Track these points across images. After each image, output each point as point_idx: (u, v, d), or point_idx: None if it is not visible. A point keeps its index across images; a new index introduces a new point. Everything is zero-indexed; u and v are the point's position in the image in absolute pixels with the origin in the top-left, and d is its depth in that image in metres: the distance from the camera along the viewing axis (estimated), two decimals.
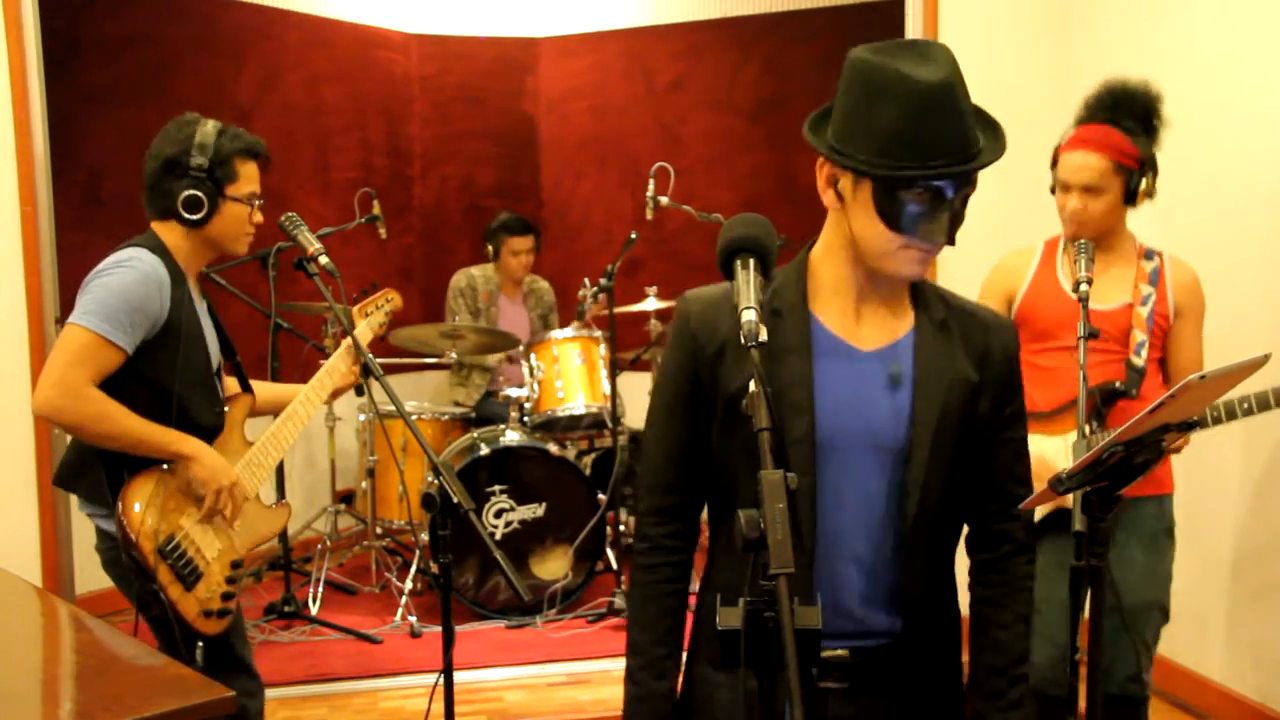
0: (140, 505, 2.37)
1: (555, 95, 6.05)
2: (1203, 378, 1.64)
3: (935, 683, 1.69)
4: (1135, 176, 2.60)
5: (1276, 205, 3.22)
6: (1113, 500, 1.79)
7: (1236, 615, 3.44)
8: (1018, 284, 2.78)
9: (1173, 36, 3.58)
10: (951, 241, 1.57)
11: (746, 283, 1.42)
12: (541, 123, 6.08)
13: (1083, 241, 2.52)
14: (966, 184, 1.55)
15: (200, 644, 2.43)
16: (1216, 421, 2.52)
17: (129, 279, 2.38)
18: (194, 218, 2.46)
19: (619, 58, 5.88)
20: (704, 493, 1.72)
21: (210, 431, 2.54)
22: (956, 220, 1.57)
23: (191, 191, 2.46)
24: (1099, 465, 1.73)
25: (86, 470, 2.45)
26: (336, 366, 2.75)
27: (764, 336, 1.37)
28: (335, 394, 2.78)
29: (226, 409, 2.62)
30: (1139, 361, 2.64)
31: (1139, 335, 2.64)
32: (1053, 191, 2.73)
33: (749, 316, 1.37)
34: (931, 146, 1.50)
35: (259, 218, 2.60)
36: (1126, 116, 2.64)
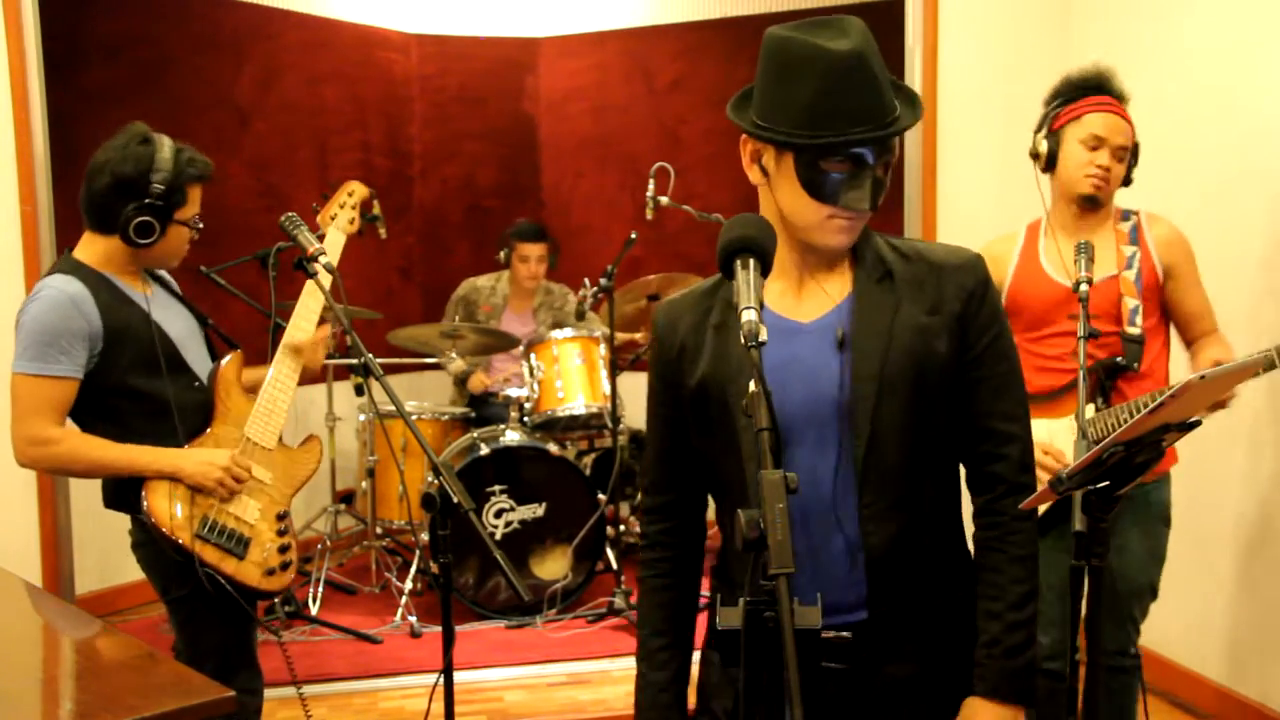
0: (164, 502, 2.40)
1: (555, 95, 6.04)
2: (1203, 378, 1.64)
3: (925, 652, 1.65)
4: (1132, 160, 2.67)
5: (1277, 203, 3.22)
6: (1113, 500, 1.79)
7: (1237, 615, 3.44)
8: (1002, 273, 2.77)
9: (1173, 35, 3.57)
10: (874, 208, 1.59)
11: (746, 283, 1.42)
12: (541, 123, 6.08)
13: (1083, 241, 2.52)
14: (886, 151, 1.59)
15: (276, 600, 2.45)
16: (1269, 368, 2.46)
17: (39, 310, 2.39)
18: (143, 242, 2.46)
19: (619, 58, 5.88)
20: (699, 489, 1.78)
21: (196, 407, 2.55)
22: (879, 187, 1.60)
23: (145, 218, 2.45)
24: (1099, 465, 1.73)
25: (115, 488, 2.49)
26: (307, 302, 2.79)
27: (764, 336, 1.37)
28: (320, 322, 2.80)
29: (221, 364, 2.61)
30: (1134, 330, 2.62)
31: (1130, 302, 2.62)
32: (1035, 157, 2.72)
33: (749, 316, 1.37)
34: (848, 114, 1.54)
35: (196, 236, 2.61)
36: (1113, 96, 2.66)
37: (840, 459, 1.60)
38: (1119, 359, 2.62)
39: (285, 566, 2.54)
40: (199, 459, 2.47)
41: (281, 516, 2.58)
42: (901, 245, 1.70)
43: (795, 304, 1.66)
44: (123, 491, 2.46)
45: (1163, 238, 2.68)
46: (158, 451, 2.44)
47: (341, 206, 2.90)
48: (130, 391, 2.46)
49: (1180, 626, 3.56)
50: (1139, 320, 2.63)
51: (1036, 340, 2.72)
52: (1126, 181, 2.69)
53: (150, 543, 2.48)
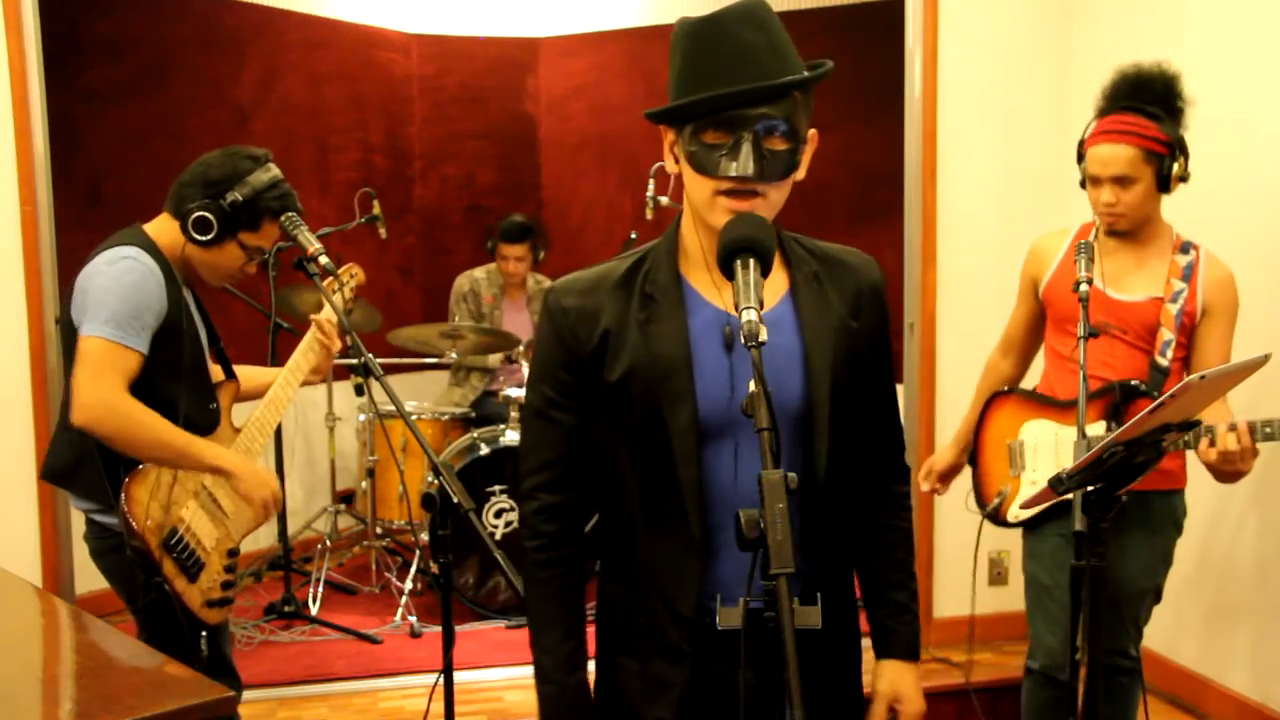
0: (143, 500, 2.38)
1: (555, 95, 6.04)
2: (1203, 378, 1.64)
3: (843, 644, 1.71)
4: (1166, 162, 2.54)
5: (1278, 202, 3.22)
6: (1113, 500, 1.79)
7: (1237, 615, 3.44)
8: (1044, 269, 2.74)
9: (1174, 37, 3.57)
10: (761, 178, 1.52)
11: (746, 283, 1.41)
12: (541, 123, 6.08)
13: (1083, 242, 2.51)
14: (771, 119, 1.52)
15: (204, 633, 2.45)
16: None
17: (131, 281, 2.37)
18: (196, 237, 2.47)
19: (619, 58, 5.88)
20: (590, 486, 1.70)
21: (205, 430, 2.54)
22: (769, 159, 1.52)
23: (207, 215, 2.47)
24: (1099, 465, 1.73)
25: (82, 466, 2.45)
26: (311, 347, 2.75)
27: (764, 337, 1.36)
28: (313, 372, 2.78)
29: (219, 394, 2.61)
30: (1164, 361, 2.58)
31: (1166, 334, 2.58)
32: (1083, 186, 2.67)
33: (749, 316, 1.37)
34: (707, 77, 1.53)
35: (251, 269, 2.61)
36: (1148, 101, 2.57)
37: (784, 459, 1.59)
38: (1140, 384, 2.58)
39: (224, 603, 2.52)
40: (256, 471, 2.49)
41: (232, 553, 2.56)
42: (810, 245, 1.70)
43: (722, 296, 1.62)
44: (87, 470, 2.41)
45: (1214, 279, 2.61)
46: (218, 447, 2.46)
47: (343, 284, 2.89)
48: (154, 389, 2.42)
49: (1182, 627, 3.55)
50: (1169, 353, 2.58)
51: (1063, 338, 2.69)
52: (1166, 188, 2.57)
53: (111, 551, 2.45)
